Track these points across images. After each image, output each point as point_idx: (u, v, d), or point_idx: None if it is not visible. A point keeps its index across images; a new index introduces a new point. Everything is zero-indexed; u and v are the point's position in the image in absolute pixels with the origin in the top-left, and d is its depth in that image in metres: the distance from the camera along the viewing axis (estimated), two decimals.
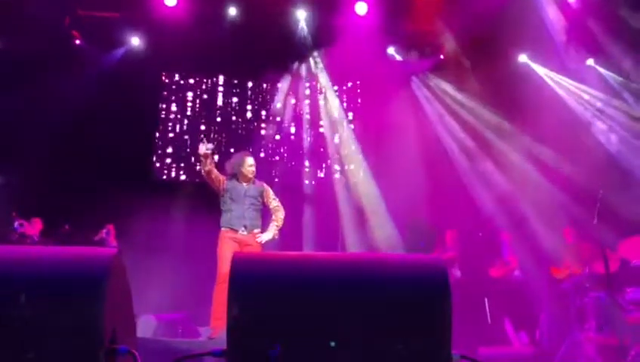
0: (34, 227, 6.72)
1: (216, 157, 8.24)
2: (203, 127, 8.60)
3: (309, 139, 8.76)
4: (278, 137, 8.68)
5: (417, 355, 1.83)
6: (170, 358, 4.01)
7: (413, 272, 1.86)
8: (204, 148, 4.73)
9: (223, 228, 4.98)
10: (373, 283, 1.80)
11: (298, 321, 1.77)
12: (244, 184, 5.05)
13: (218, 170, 5.01)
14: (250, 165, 5.06)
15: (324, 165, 8.70)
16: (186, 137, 8.52)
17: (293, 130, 8.77)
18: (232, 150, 8.35)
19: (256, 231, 5.00)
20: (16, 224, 6.46)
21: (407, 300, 1.80)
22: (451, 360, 1.91)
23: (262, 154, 8.45)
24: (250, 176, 5.06)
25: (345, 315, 1.77)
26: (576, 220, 6.66)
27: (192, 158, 8.47)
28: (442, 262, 1.91)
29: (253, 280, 1.83)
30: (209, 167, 4.83)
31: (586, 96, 8.12)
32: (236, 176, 5.06)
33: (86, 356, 1.78)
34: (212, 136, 8.54)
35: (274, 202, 5.17)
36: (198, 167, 8.38)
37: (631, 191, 7.06)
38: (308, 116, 8.82)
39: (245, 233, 4.94)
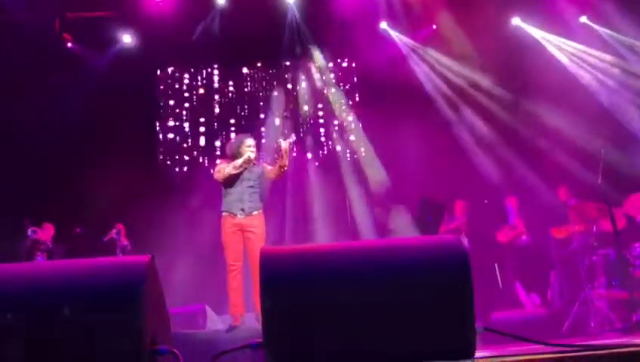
0: (46, 232, 6.81)
1: (217, 143, 8.38)
2: (202, 118, 8.61)
3: (309, 120, 8.77)
4: (277, 122, 8.67)
5: (443, 333, 1.92)
6: (195, 350, 4.14)
7: (435, 253, 1.95)
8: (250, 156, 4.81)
9: (223, 213, 4.95)
10: (397, 268, 1.89)
11: (330, 309, 1.86)
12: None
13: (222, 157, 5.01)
14: (249, 146, 4.95)
15: (325, 146, 8.72)
16: (187, 129, 8.54)
17: (292, 113, 8.76)
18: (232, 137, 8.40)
19: (255, 213, 4.91)
20: (29, 231, 6.56)
21: (432, 281, 1.90)
22: (475, 333, 2.01)
23: (263, 140, 8.48)
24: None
25: (373, 300, 1.86)
26: (579, 180, 6.74)
27: (195, 151, 8.53)
28: (461, 241, 2.00)
29: (283, 272, 1.91)
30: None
31: (582, 55, 8.12)
32: (236, 158, 4.93)
33: (129, 358, 1.88)
34: (214, 125, 8.54)
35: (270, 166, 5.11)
36: (201, 160, 8.50)
37: (629, 147, 7.13)
38: (306, 97, 8.81)
39: (243, 216, 4.86)
